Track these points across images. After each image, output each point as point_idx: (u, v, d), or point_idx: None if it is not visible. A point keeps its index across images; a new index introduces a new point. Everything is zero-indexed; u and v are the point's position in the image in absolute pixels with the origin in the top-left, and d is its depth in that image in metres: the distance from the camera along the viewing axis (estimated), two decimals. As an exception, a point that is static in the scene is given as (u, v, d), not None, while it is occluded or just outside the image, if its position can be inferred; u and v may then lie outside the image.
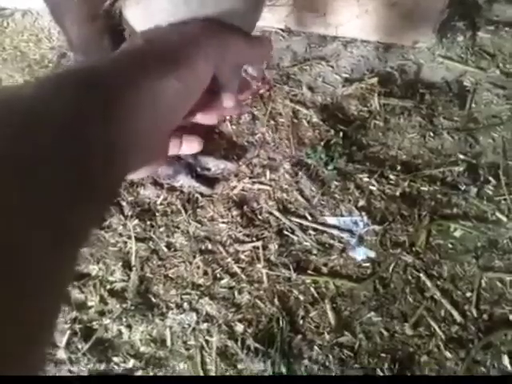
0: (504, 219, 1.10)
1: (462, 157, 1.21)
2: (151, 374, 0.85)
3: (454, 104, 1.32)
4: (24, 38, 1.44)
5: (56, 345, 0.87)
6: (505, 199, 1.13)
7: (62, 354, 0.87)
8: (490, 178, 1.17)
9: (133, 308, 0.94)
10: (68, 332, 0.90)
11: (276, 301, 0.96)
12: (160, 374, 0.86)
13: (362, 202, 1.12)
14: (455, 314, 0.95)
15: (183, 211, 1.08)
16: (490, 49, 1.50)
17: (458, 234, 1.08)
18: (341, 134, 1.22)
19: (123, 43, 0.29)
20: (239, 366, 0.87)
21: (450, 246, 1.06)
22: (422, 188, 1.15)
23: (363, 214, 1.10)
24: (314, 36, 1.47)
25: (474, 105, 1.34)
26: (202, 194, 1.11)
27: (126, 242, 1.03)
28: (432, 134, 1.26)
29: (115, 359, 0.87)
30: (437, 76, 1.40)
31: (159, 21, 0.30)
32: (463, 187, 1.15)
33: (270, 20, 1.44)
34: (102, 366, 0.86)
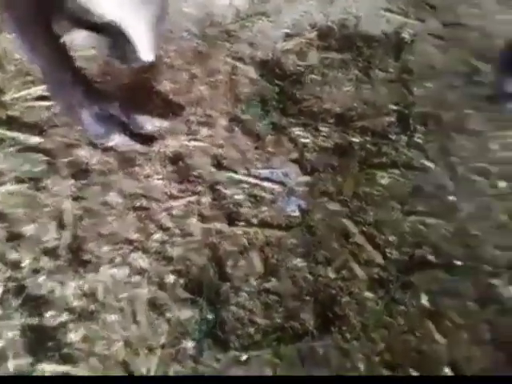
0: (431, 166, 1.09)
1: (393, 107, 1.19)
2: (82, 327, 0.85)
3: (390, 56, 1.29)
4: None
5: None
6: (432, 147, 1.12)
7: (-3, 310, 0.87)
8: (420, 127, 1.15)
9: (65, 265, 0.93)
10: (1, 290, 0.89)
11: (207, 252, 0.96)
12: (92, 326, 0.86)
13: (294, 155, 1.10)
14: (377, 256, 0.95)
15: (118, 170, 1.05)
16: (431, 0, 1.45)
17: (385, 181, 1.07)
18: (277, 88, 1.18)
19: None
20: (168, 315, 0.87)
21: (376, 193, 1.05)
22: (353, 139, 1.13)
23: (295, 165, 1.08)
24: (255, -9, 1.41)
25: (411, 56, 1.31)
26: (138, 152, 1.08)
27: (59, 203, 1.01)
28: (367, 87, 1.23)
29: (48, 313, 0.87)
30: (376, 29, 1.36)
31: None
32: (393, 137, 1.14)
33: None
34: (35, 321, 0.86)
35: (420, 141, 1.13)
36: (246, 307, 0.90)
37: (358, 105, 1.19)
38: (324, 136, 1.13)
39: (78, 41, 1.20)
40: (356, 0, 1.42)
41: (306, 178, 1.06)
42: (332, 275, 0.93)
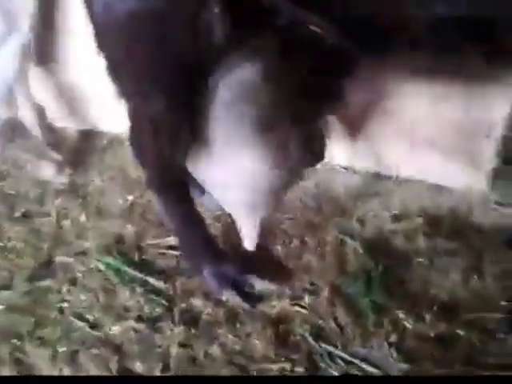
0: (545, 376, 1.00)
1: (503, 303, 1.15)
2: None
3: (501, 250, 1.29)
4: (129, 160, 1.67)
5: None
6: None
7: None
8: (534, 330, 1.09)
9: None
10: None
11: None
12: None
13: (393, 338, 1.09)
14: None
15: (224, 324, 1.13)
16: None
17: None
18: (381, 267, 1.23)
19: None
20: None
21: (481, 397, 0.97)
22: (458, 331, 1.10)
23: (393, 349, 1.06)
24: (370, 173, 1.55)
25: (524, 251, 1.29)
26: (243, 310, 1.16)
27: (169, 346, 1.09)
28: (476, 278, 1.22)
29: None
30: (487, 220, 1.38)
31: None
32: (501, 335, 1.08)
33: (333, 157, 1.54)
34: None
35: (532, 345, 1.06)
36: None
37: (465, 296, 1.18)
38: (427, 323, 1.11)
39: (210, 203, 1.40)
40: (468, 192, 1.47)
41: (405, 366, 1.04)
42: None
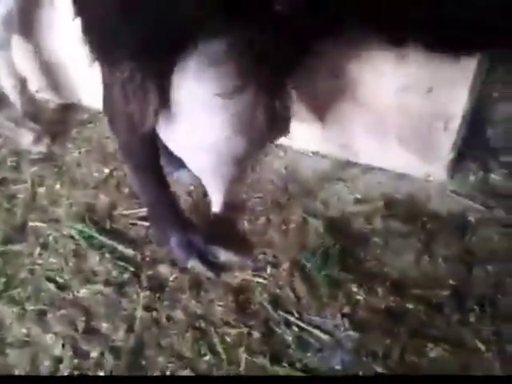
0: (482, 347, 1.08)
1: (452, 282, 1.23)
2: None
3: (453, 235, 1.36)
4: (107, 135, 1.70)
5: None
6: (486, 330, 1.12)
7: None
8: (476, 308, 1.17)
9: (124, 366, 1.03)
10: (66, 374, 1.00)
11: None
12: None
13: (346, 309, 1.16)
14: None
15: (188, 290, 1.18)
16: (500, 190, 1.54)
17: (433, 354, 1.07)
18: (339, 245, 1.30)
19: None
20: None
21: (423, 364, 1.05)
22: (408, 305, 1.17)
23: (345, 319, 1.13)
24: (338, 160, 1.61)
25: (473, 237, 1.37)
26: (207, 278, 1.22)
27: (135, 309, 1.14)
28: (427, 259, 1.30)
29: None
30: (443, 208, 1.46)
31: None
32: (447, 311, 1.16)
33: (303, 142, 1.60)
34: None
35: (473, 320, 1.14)
36: None
37: (416, 274, 1.25)
38: (378, 297, 1.19)
39: (184, 178, 1.45)
40: (427, 179, 1.55)
41: (355, 335, 1.11)
42: None
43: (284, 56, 0.75)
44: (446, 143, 1.46)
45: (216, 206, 1.00)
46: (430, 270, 1.27)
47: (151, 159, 1.10)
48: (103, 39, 0.79)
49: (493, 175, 1.56)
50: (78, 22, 0.82)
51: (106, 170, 1.52)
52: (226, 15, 0.72)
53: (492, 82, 1.47)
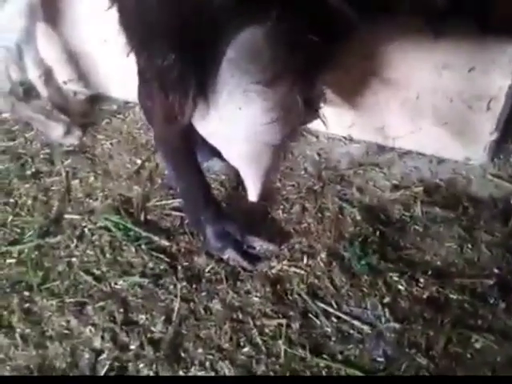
0: (531, 339, 1.03)
1: (496, 271, 1.17)
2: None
3: (497, 220, 1.30)
4: (137, 126, 1.68)
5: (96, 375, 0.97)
6: (534, 320, 1.06)
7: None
8: (523, 297, 1.11)
9: (163, 357, 1.02)
10: (106, 367, 1.00)
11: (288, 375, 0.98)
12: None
13: (387, 299, 1.12)
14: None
15: (225, 281, 1.16)
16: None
17: (478, 345, 1.03)
18: (378, 233, 1.25)
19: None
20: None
21: (468, 356, 1.01)
22: (450, 295, 1.12)
23: (386, 310, 1.09)
24: (372, 145, 1.55)
25: (519, 223, 1.30)
26: (244, 269, 1.19)
27: (172, 300, 1.13)
28: (470, 246, 1.24)
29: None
30: (484, 192, 1.39)
31: None
32: (492, 300, 1.11)
33: (335, 127, 1.54)
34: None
35: (520, 310, 1.09)
36: None
37: (458, 262, 1.20)
38: (420, 287, 1.14)
39: (216, 168, 1.43)
40: (467, 163, 1.48)
41: (397, 325, 1.07)
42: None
43: (321, 44, 0.71)
44: (488, 125, 1.38)
45: (252, 196, 0.97)
46: (473, 257, 1.22)
47: (187, 148, 1.07)
48: (142, 29, 0.76)
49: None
50: (114, 11, 0.79)
51: (138, 161, 1.50)
52: (264, 3, 0.68)
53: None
